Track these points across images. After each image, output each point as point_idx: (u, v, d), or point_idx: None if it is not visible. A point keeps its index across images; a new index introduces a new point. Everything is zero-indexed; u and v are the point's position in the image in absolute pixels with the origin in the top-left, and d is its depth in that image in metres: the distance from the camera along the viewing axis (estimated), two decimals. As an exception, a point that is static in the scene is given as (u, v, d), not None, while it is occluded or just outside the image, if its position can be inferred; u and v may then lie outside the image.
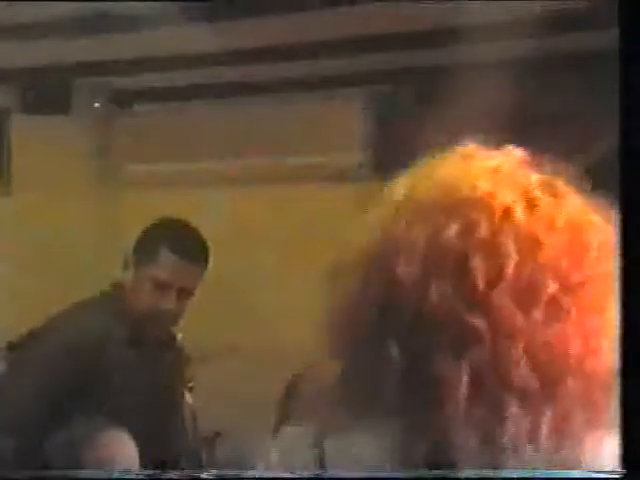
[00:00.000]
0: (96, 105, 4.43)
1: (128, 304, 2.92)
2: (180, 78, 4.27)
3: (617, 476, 1.59)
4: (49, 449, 2.44)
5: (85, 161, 4.52)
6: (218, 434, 3.46)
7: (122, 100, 4.54)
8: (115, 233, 4.54)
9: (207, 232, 4.33)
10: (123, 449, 2.39)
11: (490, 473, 1.78)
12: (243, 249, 4.23)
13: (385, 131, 4.24)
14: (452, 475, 2.05)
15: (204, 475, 1.57)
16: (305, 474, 1.54)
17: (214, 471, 1.66)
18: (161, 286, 2.86)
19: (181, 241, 2.90)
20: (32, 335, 2.96)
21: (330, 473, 1.65)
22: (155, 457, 2.50)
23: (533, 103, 3.70)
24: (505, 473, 1.74)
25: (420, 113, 4.13)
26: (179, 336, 3.17)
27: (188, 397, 3.45)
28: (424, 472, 1.97)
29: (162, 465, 2.49)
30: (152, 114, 4.52)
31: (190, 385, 3.48)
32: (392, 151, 4.21)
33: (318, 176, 4.27)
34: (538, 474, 1.75)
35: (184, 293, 2.90)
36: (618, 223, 1.64)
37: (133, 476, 1.70)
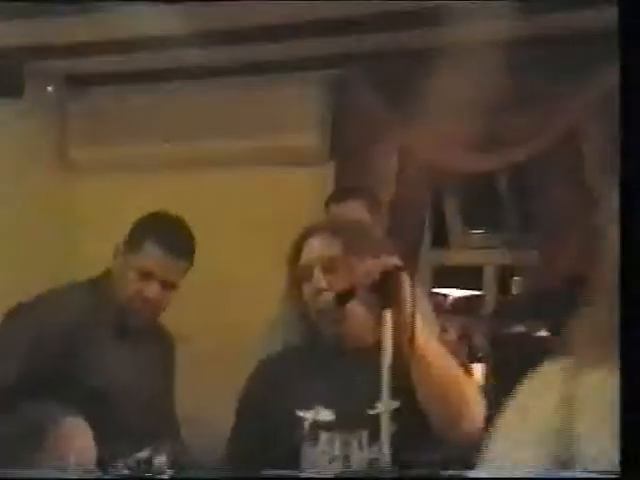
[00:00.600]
0: (49, 89, 4.39)
1: (114, 291, 3.01)
2: (133, 61, 4.24)
3: (615, 476, 1.61)
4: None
5: (38, 145, 4.48)
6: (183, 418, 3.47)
7: (75, 83, 4.51)
8: (68, 217, 4.51)
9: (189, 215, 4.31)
10: (81, 439, 2.38)
11: (491, 474, 1.81)
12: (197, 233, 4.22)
13: (340, 115, 4.25)
14: (452, 475, 2.08)
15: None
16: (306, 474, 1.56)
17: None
18: (145, 276, 2.96)
19: (168, 235, 3.00)
20: (17, 310, 3.01)
21: (333, 473, 1.67)
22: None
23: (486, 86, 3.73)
24: (506, 473, 1.77)
25: (374, 97, 4.15)
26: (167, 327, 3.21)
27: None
28: (423, 472, 2.00)
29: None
30: (105, 98, 4.48)
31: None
32: (347, 135, 4.22)
33: (272, 160, 4.27)
34: (538, 474, 1.77)
35: (167, 285, 2.99)
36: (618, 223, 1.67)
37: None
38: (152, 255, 2.96)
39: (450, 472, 2.18)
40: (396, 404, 2.34)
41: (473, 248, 4.50)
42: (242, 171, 4.31)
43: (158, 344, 3.16)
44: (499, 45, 3.61)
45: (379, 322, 2.31)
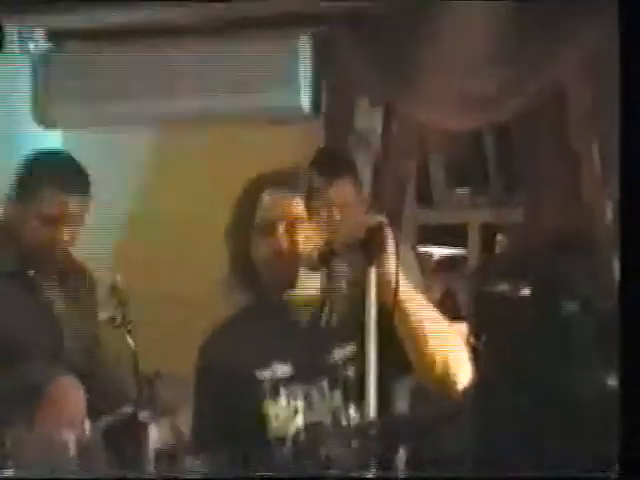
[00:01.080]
0: (31, 45, 4.35)
1: (15, 239, 2.96)
2: (116, 16, 4.20)
3: (614, 476, 1.62)
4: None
5: (22, 100, 4.45)
6: (158, 373, 3.48)
7: (56, 39, 4.46)
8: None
9: (140, 173, 4.30)
10: (74, 396, 2.38)
11: (489, 473, 1.82)
12: (176, 193, 4.21)
13: (325, 72, 4.22)
14: (452, 475, 2.09)
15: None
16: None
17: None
18: (49, 221, 2.92)
19: (62, 174, 2.94)
20: None
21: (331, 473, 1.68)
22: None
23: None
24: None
25: (360, 54, 4.12)
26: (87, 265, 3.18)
27: (129, 339, 3.46)
28: (421, 472, 2.01)
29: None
30: (87, 53, 4.44)
31: (129, 328, 3.49)
32: (332, 92, 4.20)
33: (257, 118, 4.25)
34: (537, 474, 1.78)
35: (73, 223, 2.96)
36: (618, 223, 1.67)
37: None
38: (52, 198, 2.92)
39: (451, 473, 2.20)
40: (352, 348, 2.39)
41: (457, 206, 4.50)
42: (226, 130, 4.29)
43: (76, 281, 3.14)
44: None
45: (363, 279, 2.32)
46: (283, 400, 2.43)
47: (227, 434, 2.45)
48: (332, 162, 3.53)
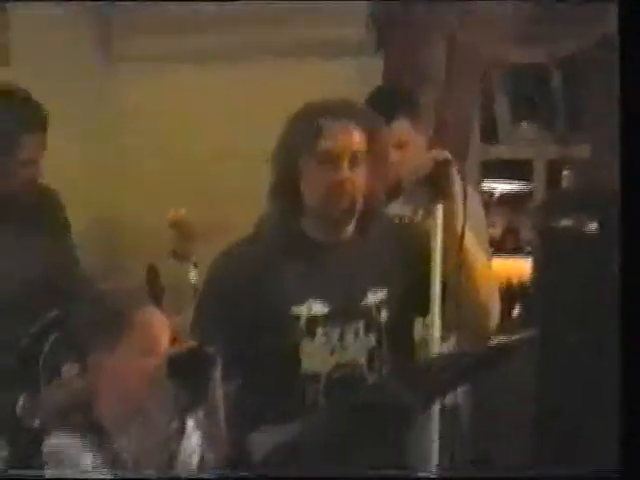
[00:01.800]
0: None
1: None
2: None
3: (615, 475, 1.61)
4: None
5: (85, 41, 4.46)
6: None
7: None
8: (115, 107, 4.51)
9: (203, 109, 4.30)
10: (159, 326, 2.40)
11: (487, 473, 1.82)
12: (239, 127, 4.20)
13: (387, 5, 4.17)
14: (451, 475, 2.09)
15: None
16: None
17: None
18: (28, 163, 2.95)
19: (27, 116, 2.96)
20: None
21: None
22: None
23: None
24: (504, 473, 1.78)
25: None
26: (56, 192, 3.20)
27: (192, 275, 3.48)
28: (419, 472, 2.01)
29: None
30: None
31: (193, 261, 3.51)
32: (395, 26, 4.15)
33: (317, 51, 4.21)
34: (536, 473, 1.79)
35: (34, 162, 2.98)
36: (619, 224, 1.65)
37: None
38: (28, 143, 2.94)
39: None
40: (385, 292, 2.38)
41: (523, 142, 4.45)
42: (286, 63, 4.26)
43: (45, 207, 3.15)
44: None
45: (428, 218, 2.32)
46: (318, 338, 2.42)
47: (260, 367, 2.43)
48: (391, 101, 3.42)
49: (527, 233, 4.68)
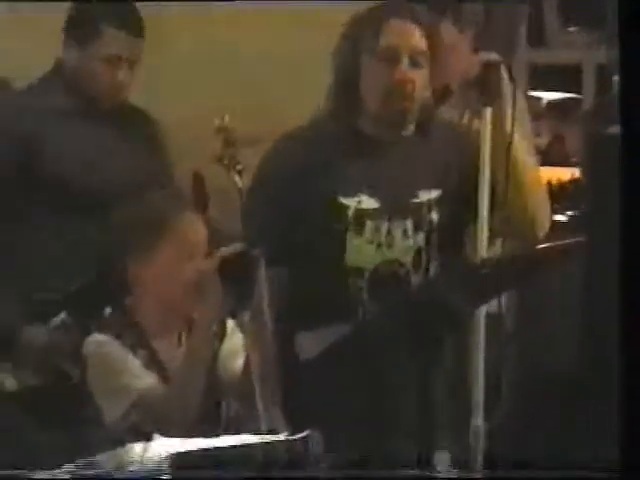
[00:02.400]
0: None
1: (76, 81, 2.96)
2: None
3: (614, 476, 1.60)
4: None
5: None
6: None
7: None
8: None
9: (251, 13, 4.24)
10: (196, 233, 2.43)
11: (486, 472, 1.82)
12: (287, 31, 4.15)
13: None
14: (450, 475, 2.09)
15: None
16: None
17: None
18: (112, 61, 2.92)
19: (121, 14, 2.94)
20: None
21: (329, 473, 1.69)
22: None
23: None
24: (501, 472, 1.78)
25: None
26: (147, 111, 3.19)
27: (238, 180, 3.49)
28: (417, 472, 2.01)
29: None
30: None
31: (239, 168, 3.51)
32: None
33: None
34: (535, 474, 1.78)
35: (131, 65, 2.96)
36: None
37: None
38: (113, 39, 2.92)
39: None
40: (438, 193, 2.37)
41: (571, 47, 4.37)
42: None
43: (142, 127, 3.13)
44: None
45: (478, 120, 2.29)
46: (366, 232, 2.42)
47: (294, 251, 2.45)
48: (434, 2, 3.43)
49: (574, 142, 4.63)
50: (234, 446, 1.75)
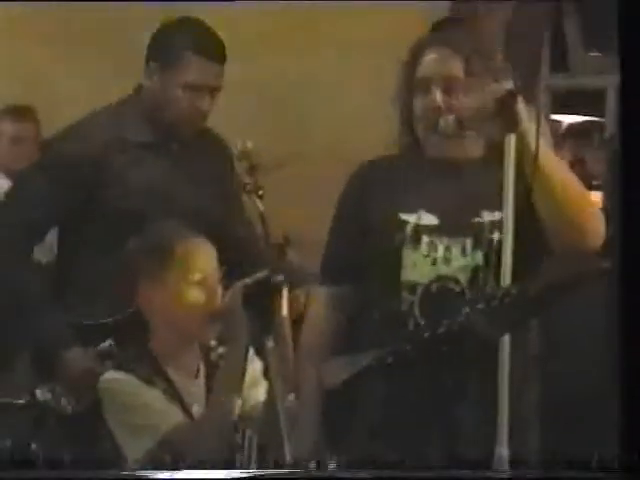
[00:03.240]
0: None
1: (155, 109, 2.94)
2: None
3: (614, 476, 1.59)
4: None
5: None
6: (287, 239, 3.52)
7: None
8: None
9: (263, 36, 4.24)
10: (206, 257, 2.42)
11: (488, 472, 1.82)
12: (303, 55, 4.16)
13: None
14: (450, 475, 2.08)
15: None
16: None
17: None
18: (193, 89, 2.89)
19: (203, 41, 2.92)
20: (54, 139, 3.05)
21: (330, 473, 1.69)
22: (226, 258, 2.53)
23: None
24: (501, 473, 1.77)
25: None
26: (221, 135, 3.16)
27: (259, 204, 3.49)
28: (417, 472, 2.01)
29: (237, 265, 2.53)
30: None
31: (260, 193, 3.52)
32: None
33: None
34: (534, 474, 1.77)
35: (213, 92, 2.94)
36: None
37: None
38: (195, 65, 2.89)
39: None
40: (501, 215, 2.35)
41: (594, 71, 4.37)
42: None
43: (215, 155, 3.10)
44: None
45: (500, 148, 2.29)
46: (422, 247, 2.43)
47: (358, 268, 2.49)
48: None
49: (595, 166, 4.62)
50: (257, 477, 1.75)
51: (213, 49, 2.93)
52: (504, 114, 2.27)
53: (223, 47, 2.96)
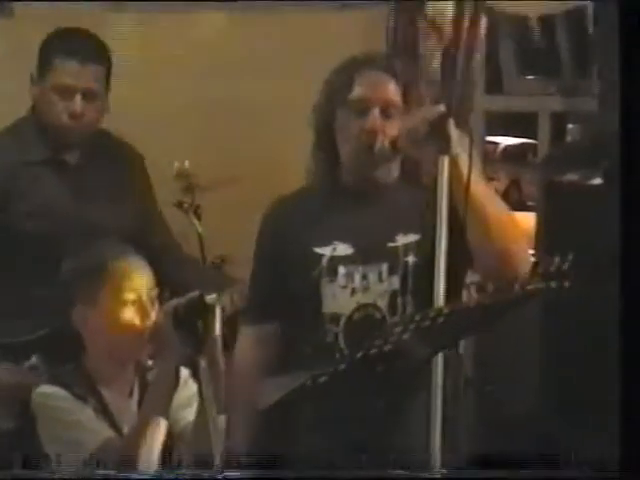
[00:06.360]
0: None
1: (44, 121, 2.93)
2: None
3: (614, 476, 1.62)
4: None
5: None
6: (224, 257, 3.52)
7: None
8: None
9: (216, 60, 4.25)
10: (141, 277, 2.41)
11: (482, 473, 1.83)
12: (252, 78, 4.16)
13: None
14: (449, 475, 2.10)
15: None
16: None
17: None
18: (65, 92, 2.88)
19: (76, 44, 2.91)
20: None
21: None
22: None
23: None
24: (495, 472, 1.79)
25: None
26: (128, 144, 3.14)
27: (196, 224, 3.49)
28: (414, 473, 2.03)
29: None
30: None
31: (197, 212, 3.52)
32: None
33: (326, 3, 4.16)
34: (533, 474, 1.79)
35: (90, 95, 2.90)
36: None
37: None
38: (64, 67, 2.88)
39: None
40: (416, 237, 2.41)
41: (528, 94, 4.42)
42: (295, 16, 4.19)
43: (123, 163, 3.08)
44: None
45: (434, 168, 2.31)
46: (339, 278, 2.44)
47: (281, 305, 2.50)
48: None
49: (531, 187, 4.67)
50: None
51: (83, 51, 2.91)
52: (436, 136, 2.30)
53: (95, 49, 2.95)
